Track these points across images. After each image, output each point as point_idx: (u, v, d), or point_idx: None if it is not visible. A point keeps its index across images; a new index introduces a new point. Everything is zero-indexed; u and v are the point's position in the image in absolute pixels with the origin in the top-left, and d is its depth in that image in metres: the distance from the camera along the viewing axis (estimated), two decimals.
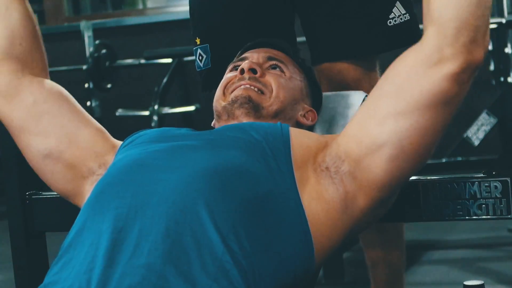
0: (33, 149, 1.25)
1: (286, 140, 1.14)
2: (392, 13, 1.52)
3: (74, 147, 1.23)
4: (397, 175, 1.09)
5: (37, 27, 1.31)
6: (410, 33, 1.55)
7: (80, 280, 1.00)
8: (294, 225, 1.07)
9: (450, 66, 1.04)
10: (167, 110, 3.64)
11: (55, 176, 1.25)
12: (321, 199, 1.09)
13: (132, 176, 1.09)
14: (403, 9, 1.53)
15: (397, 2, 1.53)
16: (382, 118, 1.07)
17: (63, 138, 1.23)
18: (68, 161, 1.23)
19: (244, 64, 1.29)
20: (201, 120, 3.48)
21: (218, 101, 1.30)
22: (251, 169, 1.09)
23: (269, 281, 1.02)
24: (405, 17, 1.54)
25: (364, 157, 1.08)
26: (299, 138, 1.15)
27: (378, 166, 1.08)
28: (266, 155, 1.11)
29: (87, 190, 1.19)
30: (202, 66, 1.59)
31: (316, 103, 1.38)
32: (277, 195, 1.07)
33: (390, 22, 1.52)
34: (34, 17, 1.30)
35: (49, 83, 1.28)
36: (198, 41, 1.60)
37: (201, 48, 1.59)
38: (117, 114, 3.78)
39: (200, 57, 1.59)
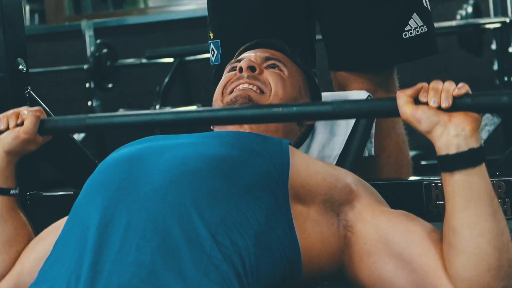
0: None
1: (285, 151, 1.12)
2: (408, 25, 1.51)
3: (35, 261, 1.17)
4: None
5: (31, 232, 1.26)
6: (426, 46, 1.54)
7: (68, 277, 0.99)
8: (282, 226, 1.06)
9: None
10: (169, 110, 3.63)
11: None
12: (317, 226, 1.10)
13: (119, 170, 1.09)
14: (420, 21, 1.52)
15: (414, 14, 1.52)
16: (398, 274, 1.06)
17: (21, 269, 1.19)
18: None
19: (243, 63, 1.29)
20: None
21: (217, 101, 1.30)
22: (243, 166, 1.08)
23: (261, 278, 1.02)
24: (422, 29, 1.52)
25: (363, 263, 1.09)
26: (304, 159, 1.14)
27: (366, 279, 1.09)
28: (263, 157, 1.10)
29: None
30: (213, 61, 1.59)
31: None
32: (267, 194, 1.07)
33: (405, 35, 1.51)
34: (28, 224, 1.26)
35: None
36: (211, 35, 1.59)
37: (213, 43, 1.59)
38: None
39: (213, 52, 1.59)
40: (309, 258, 1.08)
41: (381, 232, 1.09)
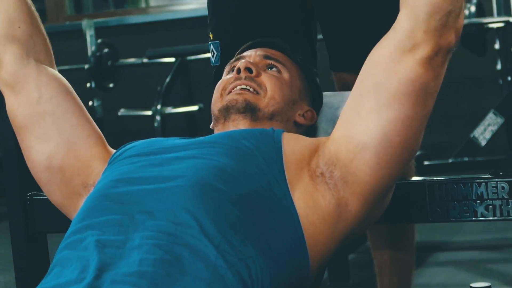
0: (34, 153, 1.23)
1: (278, 148, 1.12)
2: None
3: (72, 158, 1.21)
4: (387, 172, 1.08)
5: (33, 9, 1.28)
6: None
7: None
8: (288, 231, 1.06)
9: (423, 51, 1.07)
10: (170, 110, 3.63)
11: (50, 186, 1.23)
12: (318, 206, 1.09)
13: (120, 190, 1.08)
14: None
15: None
16: (366, 114, 1.08)
17: (63, 146, 1.21)
18: (66, 174, 1.21)
19: (240, 64, 1.28)
20: (204, 120, 3.46)
21: (215, 104, 1.29)
22: (243, 175, 1.08)
23: (266, 285, 1.01)
24: None
25: (353, 158, 1.08)
26: (292, 145, 1.14)
27: (366, 164, 1.07)
28: (258, 162, 1.10)
29: (80, 205, 1.16)
30: (213, 62, 1.58)
31: (316, 103, 1.37)
32: (270, 201, 1.06)
33: None
34: (32, 4, 1.27)
35: (56, 77, 1.26)
36: (211, 36, 1.59)
37: (213, 44, 1.58)
38: (119, 114, 3.77)
39: (213, 53, 1.58)
40: (317, 250, 1.07)
41: (339, 129, 1.11)
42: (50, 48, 1.29)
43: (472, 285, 1.21)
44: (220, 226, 1.01)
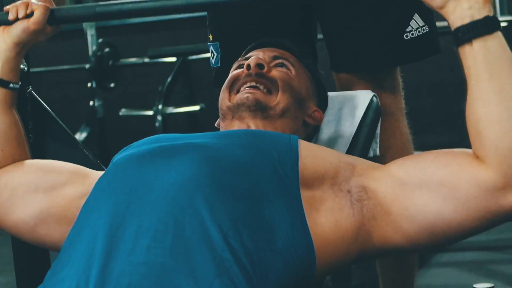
0: (20, 225, 1.19)
1: (294, 148, 1.11)
2: (410, 26, 1.50)
3: (57, 199, 1.18)
4: (414, 246, 1.07)
5: (22, 133, 1.25)
6: (428, 46, 1.53)
7: (78, 280, 0.98)
8: (294, 226, 1.05)
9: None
10: (172, 109, 3.62)
11: (54, 237, 1.19)
12: (330, 215, 1.08)
13: (130, 172, 1.08)
14: (421, 22, 1.51)
15: (415, 14, 1.50)
16: (427, 196, 1.03)
17: (42, 198, 1.18)
18: (59, 214, 1.18)
19: (251, 60, 1.28)
20: (206, 119, 3.45)
21: (224, 100, 1.28)
22: (254, 168, 1.07)
23: (272, 281, 1.00)
24: (423, 30, 1.51)
25: (392, 215, 1.06)
26: (312, 149, 1.13)
27: (401, 231, 1.06)
28: (272, 158, 1.09)
29: None
30: (213, 63, 1.58)
31: (322, 103, 1.37)
32: (279, 196, 1.06)
33: (406, 36, 1.50)
34: (20, 125, 1.25)
35: (17, 163, 1.23)
36: (211, 37, 1.58)
37: (212, 45, 1.58)
38: (120, 114, 3.77)
39: (212, 54, 1.58)
40: (325, 253, 1.07)
41: (394, 176, 1.07)
42: (28, 155, 1.26)
43: (475, 286, 1.21)
44: (229, 216, 1.00)
